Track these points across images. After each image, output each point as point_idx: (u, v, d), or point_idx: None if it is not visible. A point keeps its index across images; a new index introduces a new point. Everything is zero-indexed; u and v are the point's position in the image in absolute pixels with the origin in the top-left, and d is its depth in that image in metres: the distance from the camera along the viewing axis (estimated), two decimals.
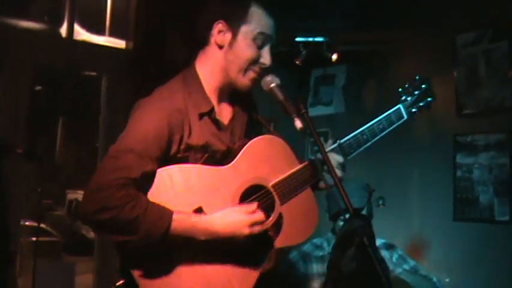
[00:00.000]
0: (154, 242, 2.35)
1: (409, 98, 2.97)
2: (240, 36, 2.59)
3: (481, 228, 4.84)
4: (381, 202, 4.19)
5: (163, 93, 2.59)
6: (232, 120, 2.72)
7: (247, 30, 2.59)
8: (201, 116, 2.58)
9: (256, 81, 2.65)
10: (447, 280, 4.94)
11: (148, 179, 2.41)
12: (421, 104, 2.99)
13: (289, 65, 5.35)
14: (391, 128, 2.89)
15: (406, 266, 4.22)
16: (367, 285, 2.42)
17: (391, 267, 4.13)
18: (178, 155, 2.51)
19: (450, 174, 5.05)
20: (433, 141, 5.26)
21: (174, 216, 2.38)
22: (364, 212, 4.03)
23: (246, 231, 2.47)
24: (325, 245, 4.27)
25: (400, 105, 2.93)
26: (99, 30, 5.14)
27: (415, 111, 2.99)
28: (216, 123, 2.63)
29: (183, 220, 2.41)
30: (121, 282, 2.50)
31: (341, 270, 2.48)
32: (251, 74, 2.62)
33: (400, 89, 2.99)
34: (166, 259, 2.44)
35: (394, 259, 4.23)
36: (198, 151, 2.55)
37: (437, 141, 5.21)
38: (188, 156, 2.53)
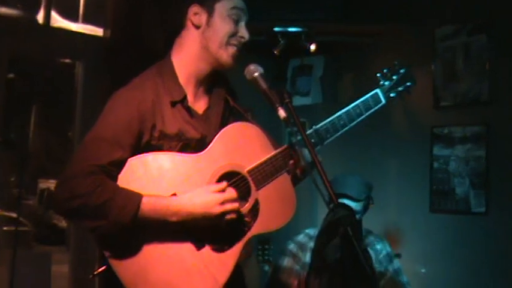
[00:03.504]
0: (124, 225, 2.39)
1: (386, 83, 2.97)
2: (216, 13, 2.65)
3: (457, 219, 4.87)
4: (370, 202, 4.22)
5: (136, 83, 2.64)
6: (207, 109, 2.74)
7: (222, 7, 2.65)
8: (173, 104, 2.61)
9: (237, 57, 2.69)
10: (423, 271, 4.97)
11: (119, 166, 2.46)
12: (399, 89, 3.00)
13: (267, 55, 5.33)
14: (369, 112, 2.89)
15: (390, 267, 4.25)
16: (351, 275, 2.42)
17: (384, 263, 4.18)
18: (153, 142, 2.55)
19: (427, 166, 5.07)
20: (410, 133, 5.28)
21: (144, 199, 2.42)
22: (359, 207, 4.06)
23: (218, 209, 2.48)
24: None
25: (377, 90, 2.93)
26: (76, 17, 5.08)
27: (393, 96, 2.99)
28: (189, 111, 2.65)
29: (152, 202, 2.44)
30: (102, 269, 2.50)
31: (325, 260, 2.49)
32: (231, 49, 2.67)
33: (378, 74, 3.00)
34: (141, 245, 2.48)
35: (381, 255, 4.26)
36: (172, 139, 2.58)
37: (415, 133, 5.24)
38: (163, 144, 2.56)
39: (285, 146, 2.71)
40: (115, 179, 2.46)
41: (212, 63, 2.69)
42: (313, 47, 5.47)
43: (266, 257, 4.88)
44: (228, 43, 2.65)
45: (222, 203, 2.49)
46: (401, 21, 5.23)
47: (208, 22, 2.66)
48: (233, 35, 2.66)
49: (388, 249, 4.34)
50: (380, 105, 2.92)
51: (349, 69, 5.87)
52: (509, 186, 4.60)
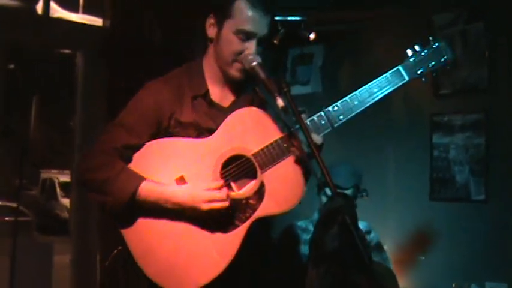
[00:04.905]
0: (124, 203, 2.56)
1: (412, 59, 2.76)
2: (224, 30, 2.68)
3: (457, 207, 4.88)
4: (364, 194, 4.23)
5: (163, 77, 2.78)
6: (234, 102, 2.79)
7: (230, 25, 2.66)
8: (194, 97, 2.71)
9: (244, 72, 2.69)
10: (423, 258, 4.99)
11: (133, 150, 2.65)
12: (431, 64, 2.77)
13: (266, 44, 5.32)
14: (390, 90, 2.72)
15: (378, 257, 4.27)
16: (349, 263, 2.44)
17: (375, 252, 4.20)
18: (170, 130, 2.68)
19: (427, 154, 5.08)
20: (409, 122, 5.28)
21: (143, 183, 2.58)
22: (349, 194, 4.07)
23: (204, 207, 2.54)
24: (310, 227, 4.30)
25: (399, 66, 2.74)
26: (75, 8, 5.08)
27: (422, 72, 2.76)
28: (211, 104, 2.74)
29: (151, 187, 2.58)
30: (119, 249, 2.62)
31: (323, 249, 2.50)
32: (238, 65, 2.69)
33: (408, 49, 2.78)
34: (150, 224, 2.64)
35: (373, 243, 4.28)
36: (188, 127, 2.68)
37: (414, 122, 5.24)
38: (179, 131, 2.68)
39: (288, 131, 2.66)
40: (128, 160, 2.64)
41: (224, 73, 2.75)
42: (312, 35, 5.47)
43: None
44: (234, 61, 2.68)
45: (210, 201, 2.54)
46: (400, 7, 5.21)
47: (218, 37, 2.70)
48: (239, 53, 2.66)
49: (379, 238, 4.37)
50: (403, 82, 2.72)
51: (349, 57, 5.86)
52: (508, 173, 4.61)
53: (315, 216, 4.32)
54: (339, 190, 3.80)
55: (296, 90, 5.80)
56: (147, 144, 2.65)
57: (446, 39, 2.86)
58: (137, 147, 2.64)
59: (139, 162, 2.64)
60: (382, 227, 4.74)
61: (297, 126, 2.53)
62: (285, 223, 4.41)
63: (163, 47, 4.81)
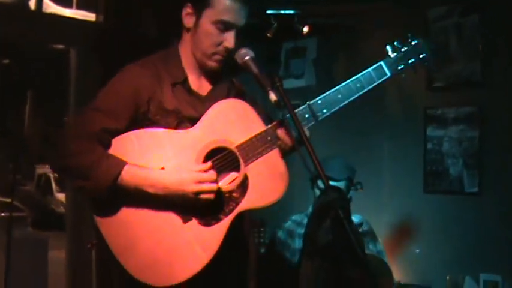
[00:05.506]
0: (106, 188, 2.48)
1: (393, 55, 2.75)
2: (202, 20, 2.66)
3: (450, 200, 4.90)
4: (359, 187, 4.25)
5: (139, 62, 2.72)
6: (212, 91, 2.77)
7: (209, 15, 2.64)
8: (174, 84, 2.68)
9: (222, 62, 2.70)
10: (417, 251, 5.00)
11: (111, 134, 2.58)
12: (411, 61, 2.76)
13: (259, 38, 5.32)
14: (372, 86, 2.72)
15: (373, 249, 4.29)
16: (343, 257, 2.44)
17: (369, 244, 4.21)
18: (149, 115, 2.63)
19: (420, 147, 5.09)
20: (403, 114, 5.29)
21: (126, 167, 2.51)
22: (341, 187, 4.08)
23: (193, 188, 2.51)
24: (305, 221, 4.31)
25: (381, 62, 2.74)
26: (68, 3, 5.07)
27: (401, 68, 2.76)
28: (190, 92, 2.71)
29: (133, 171, 2.51)
30: (94, 243, 2.58)
31: (317, 243, 2.50)
32: (216, 57, 2.69)
33: (388, 45, 2.78)
34: (129, 217, 2.57)
35: (367, 236, 4.30)
36: (169, 115, 2.64)
37: (408, 115, 5.24)
38: (160, 119, 2.63)
39: (275, 122, 2.66)
40: (107, 146, 2.56)
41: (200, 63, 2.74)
42: (306, 29, 5.46)
43: (261, 240, 4.91)
44: (212, 53, 2.68)
45: (199, 182, 2.51)
46: (394, 0, 5.21)
47: (195, 27, 2.68)
48: (218, 44, 2.66)
49: (373, 231, 4.38)
50: (384, 78, 2.72)
51: (342, 50, 5.86)
52: (501, 165, 4.63)
53: (310, 210, 4.33)
54: (331, 182, 3.84)
55: (290, 83, 5.80)
56: (125, 134, 2.59)
57: (426, 38, 2.85)
58: (115, 132, 2.58)
59: (118, 154, 2.56)
60: (377, 220, 4.74)
61: (288, 116, 2.53)
62: (280, 216, 4.42)
63: (159, 40, 4.79)
